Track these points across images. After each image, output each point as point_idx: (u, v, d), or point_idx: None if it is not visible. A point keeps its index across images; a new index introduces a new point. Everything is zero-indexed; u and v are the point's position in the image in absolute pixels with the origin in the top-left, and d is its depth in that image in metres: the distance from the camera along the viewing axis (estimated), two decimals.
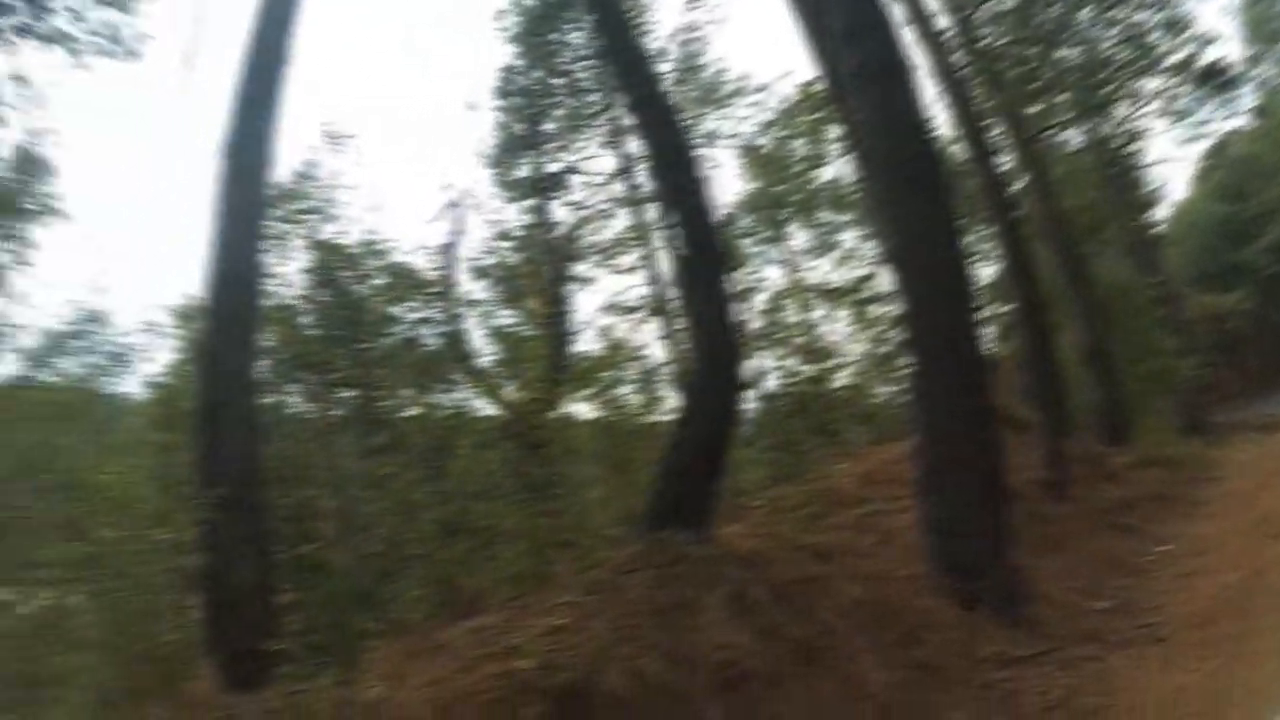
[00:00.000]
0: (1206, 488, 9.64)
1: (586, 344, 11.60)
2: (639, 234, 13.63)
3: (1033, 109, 14.01)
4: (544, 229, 12.64)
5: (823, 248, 14.90)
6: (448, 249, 10.96)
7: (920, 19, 11.55)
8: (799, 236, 15.39)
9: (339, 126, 9.81)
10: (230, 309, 6.70)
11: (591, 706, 3.84)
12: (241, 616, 6.14)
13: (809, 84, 13.23)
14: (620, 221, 13.55)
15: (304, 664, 5.92)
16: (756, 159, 15.41)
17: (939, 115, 10.80)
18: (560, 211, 12.91)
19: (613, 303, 13.21)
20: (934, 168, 6.49)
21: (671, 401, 9.70)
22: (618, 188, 13.03)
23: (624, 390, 10.37)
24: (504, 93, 13.03)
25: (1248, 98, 19.17)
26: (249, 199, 6.82)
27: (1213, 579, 5.98)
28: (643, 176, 11.91)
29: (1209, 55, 15.13)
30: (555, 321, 11.65)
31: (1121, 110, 15.72)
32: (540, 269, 12.33)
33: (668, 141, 6.50)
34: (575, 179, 12.75)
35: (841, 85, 7.52)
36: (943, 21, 12.84)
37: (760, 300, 12.35)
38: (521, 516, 7.43)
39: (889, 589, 5.32)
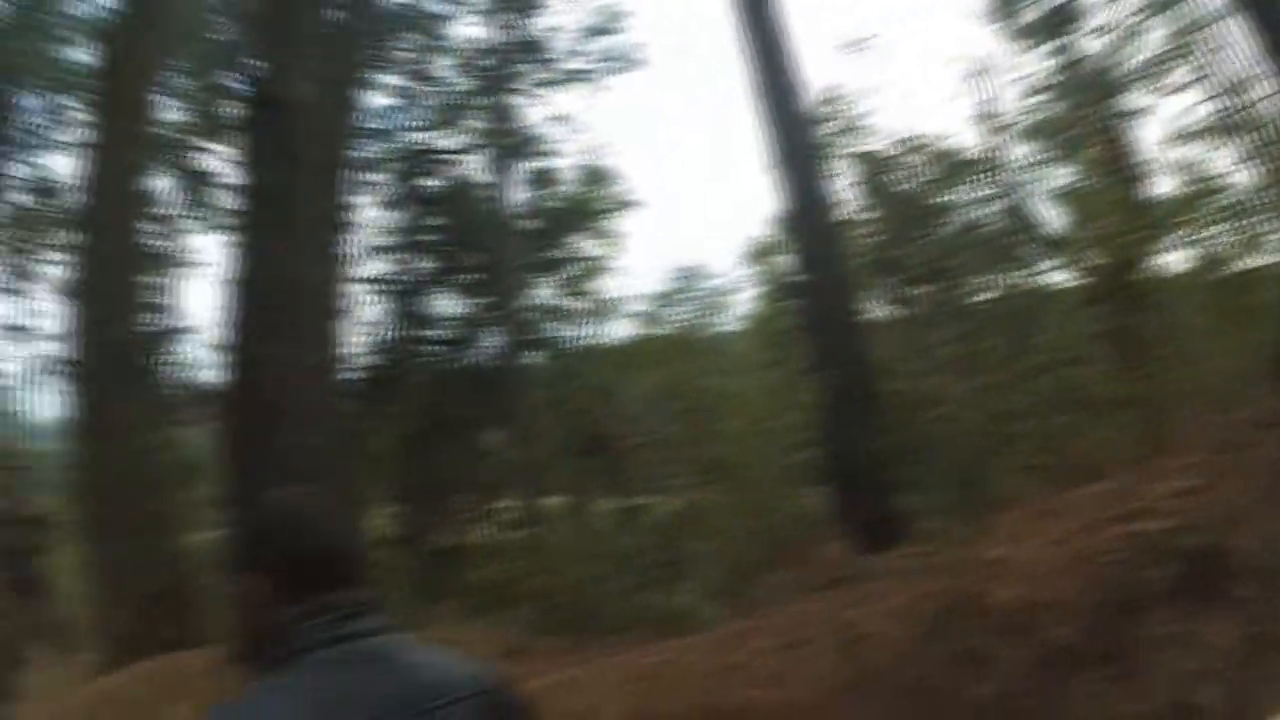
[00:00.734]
0: None
1: (1161, 185, 10.19)
2: (1188, 41, 11.24)
3: None
4: (1077, 68, 11.38)
5: None
6: (983, 120, 10.65)
7: None
8: None
9: (855, 34, 10.20)
10: (810, 233, 7.68)
11: (1227, 570, 3.57)
12: (864, 491, 7.06)
13: None
14: (1160, 31, 11.37)
15: (925, 529, 6.51)
16: None
17: None
18: (1088, 43, 11.45)
19: (1178, 130, 11.21)
20: None
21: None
22: None
23: (1217, 230, 8.98)
24: None
25: None
26: (794, 129, 7.71)
27: None
28: None
29: None
30: (1119, 166, 10.49)
31: None
32: (1087, 113, 11.16)
33: None
34: None
35: None
36: None
37: None
38: (1126, 380, 7.08)
39: None
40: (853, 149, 9.90)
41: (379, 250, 13.93)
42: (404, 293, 13.78)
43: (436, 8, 15.86)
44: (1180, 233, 9.04)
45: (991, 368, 8.20)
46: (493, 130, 16.01)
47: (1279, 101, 7.48)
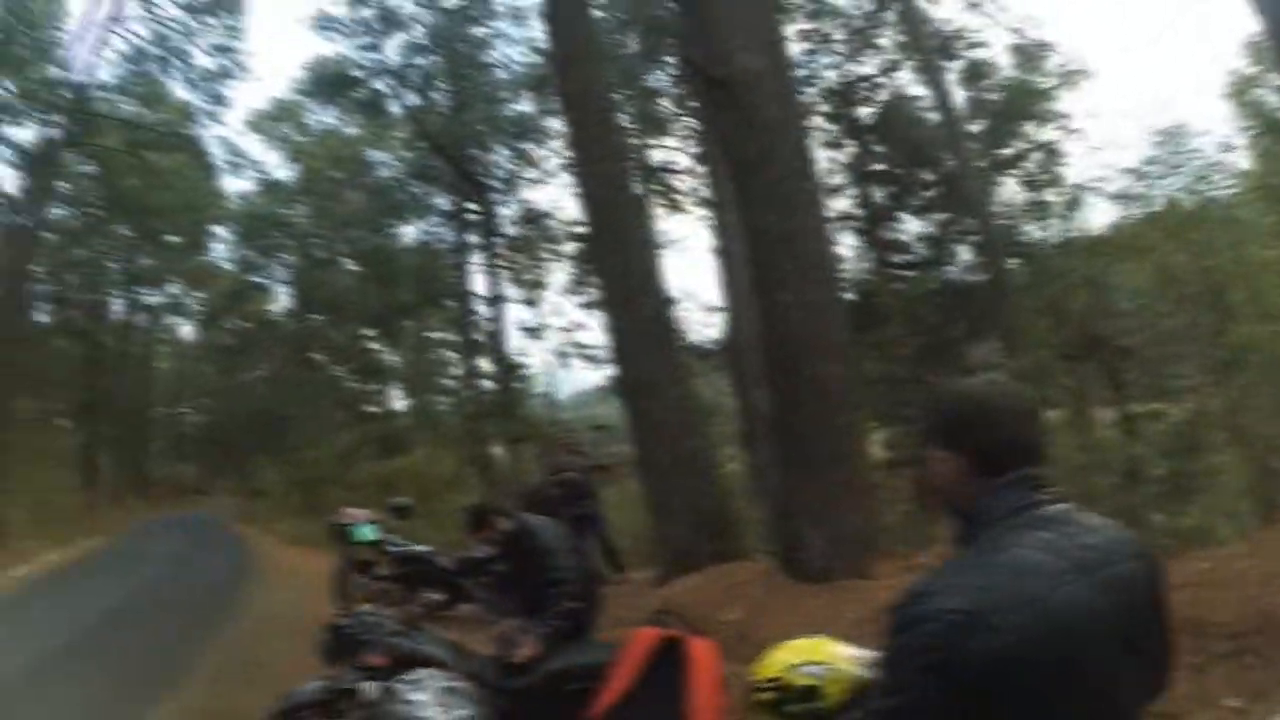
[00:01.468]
0: None
1: None
2: None
3: None
4: None
5: None
6: None
7: None
8: None
9: None
10: None
11: None
12: None
13: None
14: None
15: None
16: None
17: None
18: None
19: None
20: None
21: None
22: None
23: None
24: None
25: None
26: None
27: None
28: None
29: None
30: None
31: None
32: None
33: None
34: None
35: None
36: None
37: None
38: None
39: None
40: None
41: (835, 189, 14.45)
42: (868, 225, 14.16)
43: None
44: None
45: None
46: (909, 41, 15.52)
47: None
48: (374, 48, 24.08)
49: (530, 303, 30.34)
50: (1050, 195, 14.93)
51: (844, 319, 6.36)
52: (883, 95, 15.53)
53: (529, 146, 25.84)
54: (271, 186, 35.14)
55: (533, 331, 30.52)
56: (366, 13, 23.67)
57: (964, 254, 14.53)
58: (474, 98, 24.68)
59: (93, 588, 14.94)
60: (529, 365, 30.02)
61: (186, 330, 47.10)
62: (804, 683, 2.21)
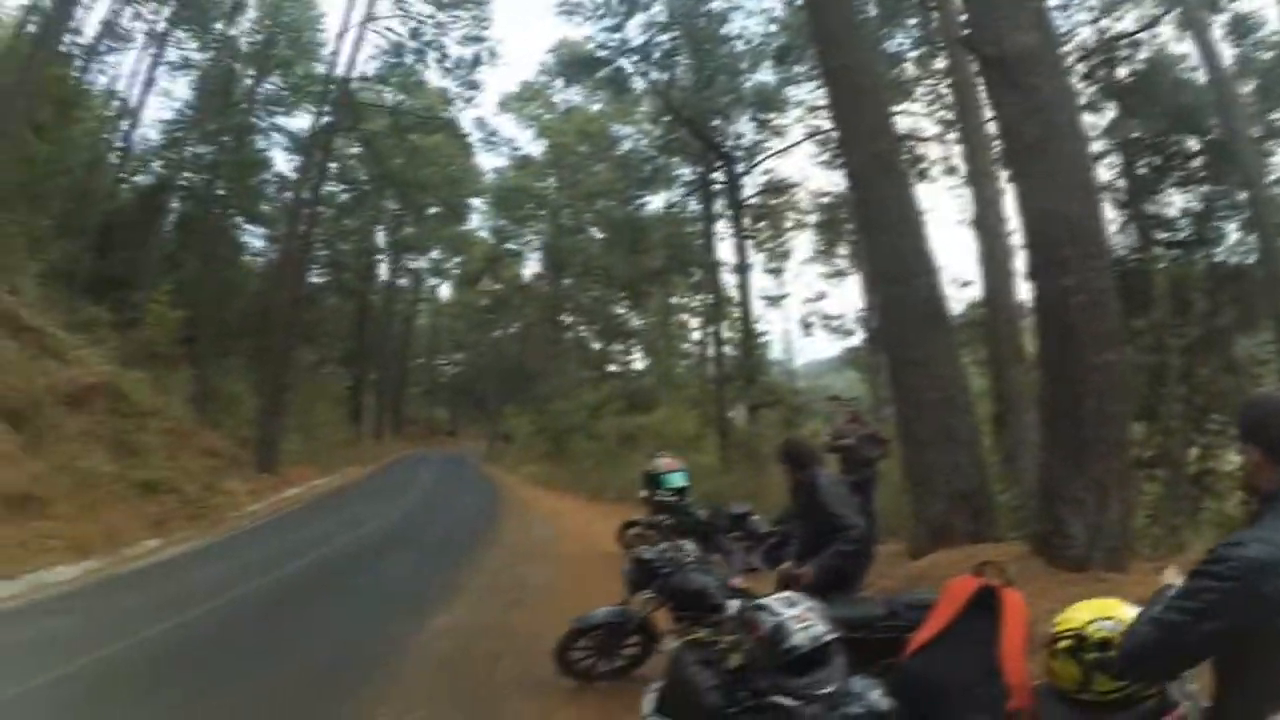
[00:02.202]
0: None
1: None
2: None
3: None
4: None
5: None
6: None
7: None
8: None
9: None
10: None
11: None
12: None
13: None
14: None
15: None
16: None
17: None
18: None
19: None
20: None
21: None
22: None
23: None
24: None
25: None
26: None
27: None
28: None
29: None
30: None
31: None
32: None
33: None
34: None
35: None
36: None
37: None
38: None
39: None
40: None
41: (1095, 158, 13.23)
42: (1128, 198, 12.84)
43: None
44: None
45: None
46: None
47: None
48: (617, 28, 25.10)
49: (774, 271, 30.68)
50: None
51: (1119, 304, 6.04)
52: (1142, 54, 13.96)
53: (771, 116, 26.01)
54: (523, 162, 37.92)
55: (774, 300, 30.95)
56: None
57: (1233, 232, 12.84)
58: (716, 70, 25.06)
59: (361, 510, 17.35)
60: (769, 333, 30.53)
61: (445, 291, 52.11)
62: (1100, 636, 2.52)
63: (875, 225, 8.67)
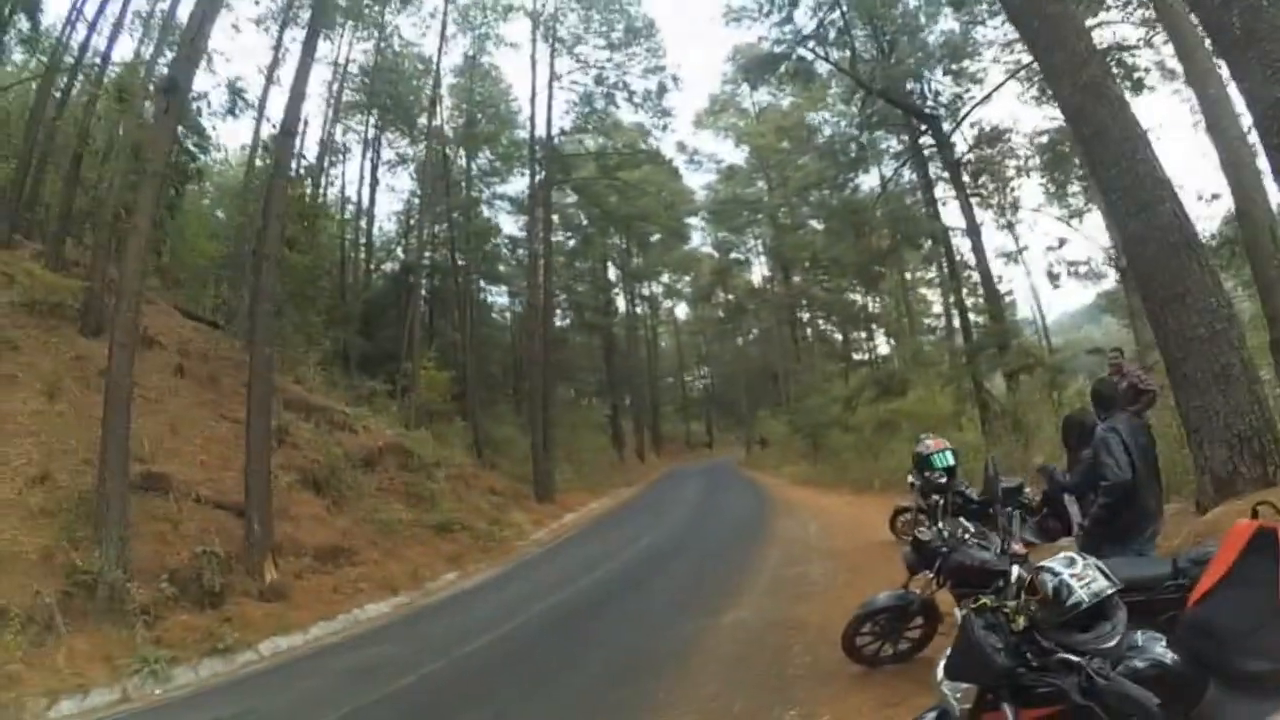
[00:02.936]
0: None
1: None
2: None
3: None
4: None
5: None
6: None
7: None
8: None
9: None
10: None
11: None
12: None
13: None
14: None
15: None
16: None
17: None
18: None
19: None
20: None
21: None
22: None
23: None
24: None
25: None
26: None
27: None
28: None
29: None
30: None
31: None
32: None
33: None
34: None
35: None
36: None
37: None
38: None
39: None
40: None
41: None
42: None
43: None
44: None
45: None
46: None
47: None
48: (786, 20, 24.15)
49: (1007, 226, 28.05)
50: None
51: None
52: None
53: (965, 65, 23.80)
54: (729, 173, 38.02)
55: (1013, 256, 28.21)
56: None
57: None
58: (895, 34, 23.46)
59: (636, 525, 17.95)
60: (1013, 293, 28.06)
61: (682, 310, 53.58)
62: None
63: (1100, 159, 7.71)
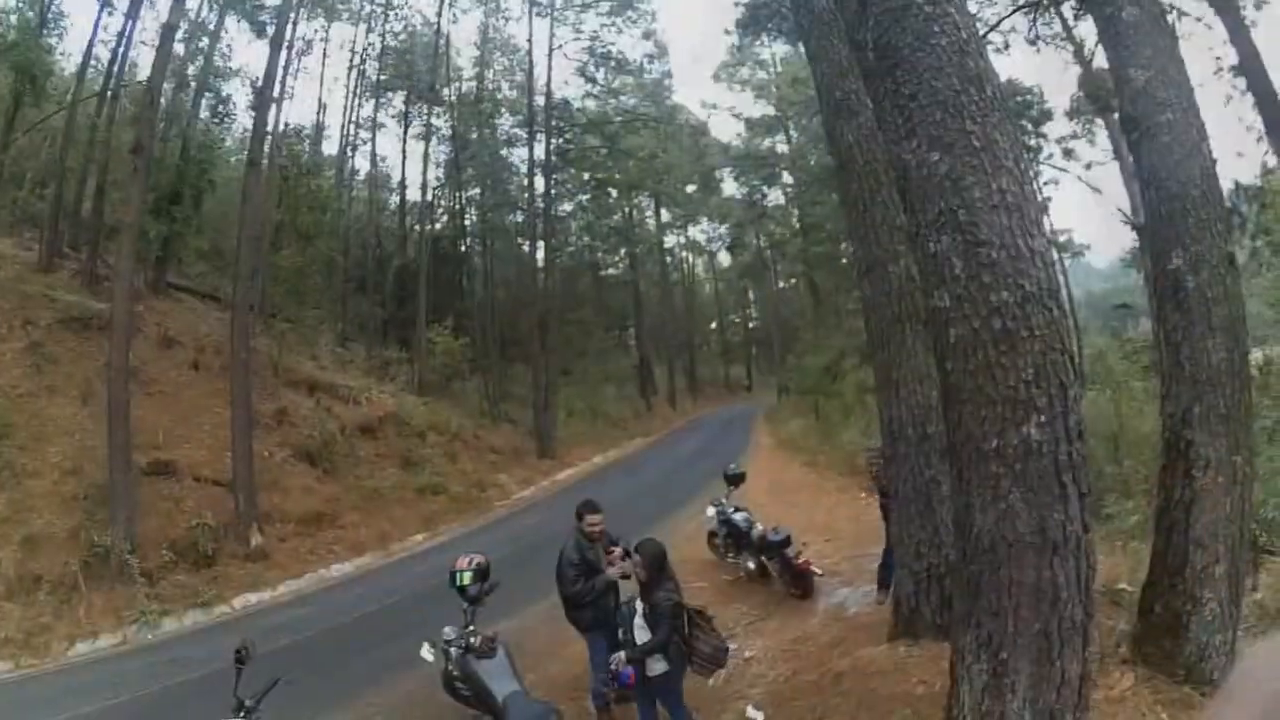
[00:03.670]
0: None
1: None
2: None
3: None
4: None
5: None
6: None
7: None
8: None
9: None
10: None
11: None
12: None
13: None
14: None
15: None
16: None
17: None
18: None
19: None
20: None
21: None
22: None
23: None
24: None
25: None
26: None
27: None
28: None
29: None
30: None
31: None
32: None
33: None
34: None
35: None
36: None
37: None
38: None
39: None
40: None
41: None
42: None
43: None
44: None
45: None
46: None
47: None
48: None
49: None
50: None
51: None
52: None
53: None
54: (752, 124, 38.66)
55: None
56: None
57: None
58: None
59: (617, 482, 19.97)
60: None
61: (723, 257, 54.57)
62: None
63: None
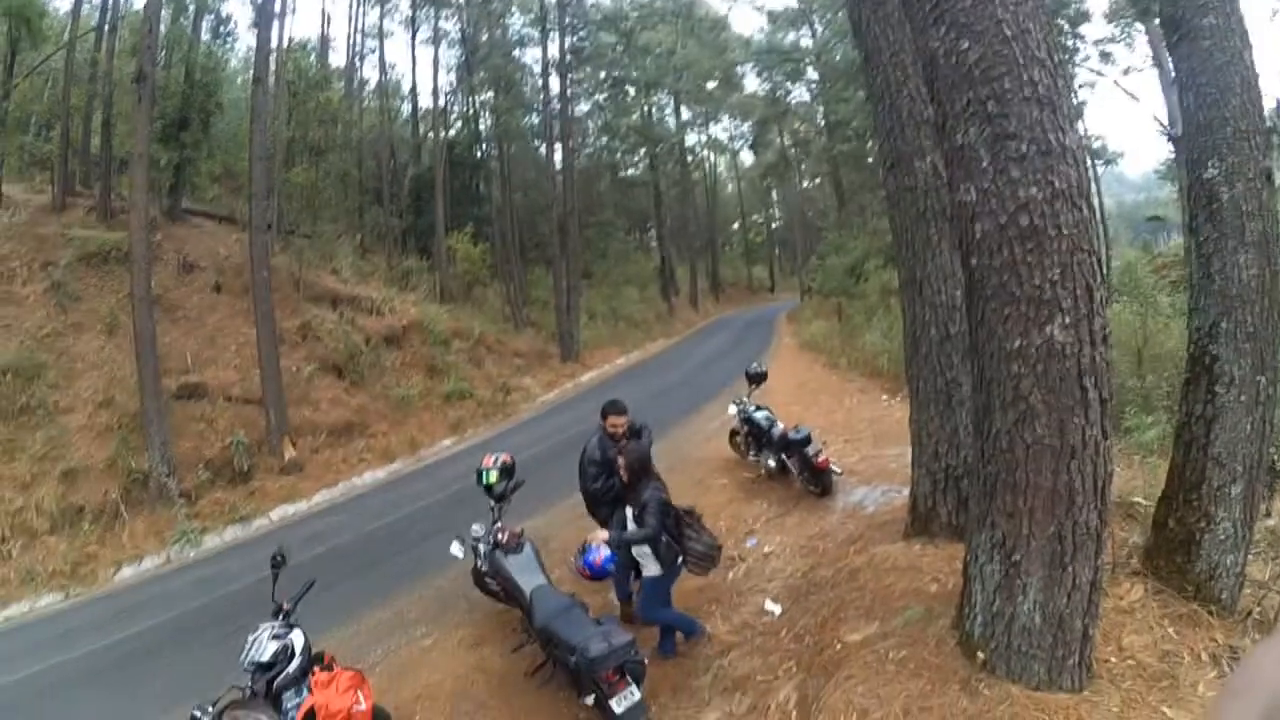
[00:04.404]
0: None
1: None
2: None
3: None
4: None
5: None
6: None
7: None
8: None
9: None
10: None
11: None
12: None
13: None
14: None
15: None
16: None
17: None
18: None
19: None
20: None
21: None
22: None
23: None
24: None
25: None
26: None
27: None
28: None
29: None
30: None
31: None
32: None
33: None
34: None
35: None
36: None
37: None
38: None
39: None
40: None
41: None
42: None
43: None
44: None
45: None
46: None
47: None
48: None
49: None
50: None
51: None
52: None
53: None
54: (774, 17, 37.06)
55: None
56: None
57: None
58: None
59: (641, 381, 20.28)
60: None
61: (746, 156, 53.24)
62: None
63: None
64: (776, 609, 6.12)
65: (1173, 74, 5.02)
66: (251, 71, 17.01)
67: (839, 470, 8.93)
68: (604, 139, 38.98)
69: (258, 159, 14.60)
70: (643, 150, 40.03)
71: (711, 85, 41.09)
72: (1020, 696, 3.73)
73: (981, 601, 3.97)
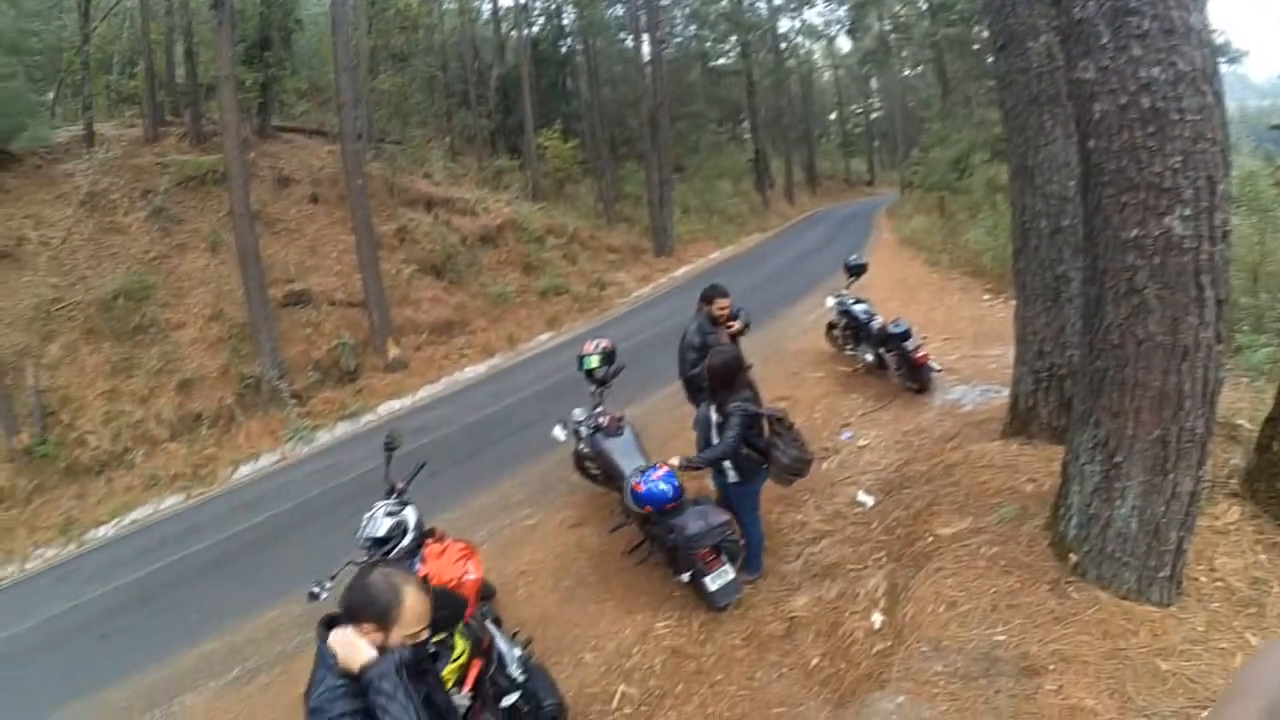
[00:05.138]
0: None
1: None
2: None
3: None
4: None
5: None
6: None
7: None
8: None
9: None
10: None
11: None
12: None
13: None
14: None
15: None
16: None
17: None
18: None
19: None
20: None
21: None
22: None
23: None
24: None
25: None
26: None
27: None
28: None
29: None
30: None
31: None
32: None
33: None
34: None
35: None
36: None
37: None
38: None
39: None
40: None
41: None
42: None
43: None
44: None
45: None
46: None
47: None
48: None
49: None
50: None
51: None
52: None
53: None
54: None
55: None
56: None
57: None
58: None
59: (736, 275, 19.67)
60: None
61: (843, 42, 50.18)
62: None
63: None
64: (869, 500, 6.16)
65: None
66: None
67: (938, 367, 8.66)
68: (692, 28, 37.26)
69: (343, 69, 14.48)
70: (733, 39, 38.16)
71: None
72: (1108, 603, 3.69)
73: (1078, 503, 3.88)
